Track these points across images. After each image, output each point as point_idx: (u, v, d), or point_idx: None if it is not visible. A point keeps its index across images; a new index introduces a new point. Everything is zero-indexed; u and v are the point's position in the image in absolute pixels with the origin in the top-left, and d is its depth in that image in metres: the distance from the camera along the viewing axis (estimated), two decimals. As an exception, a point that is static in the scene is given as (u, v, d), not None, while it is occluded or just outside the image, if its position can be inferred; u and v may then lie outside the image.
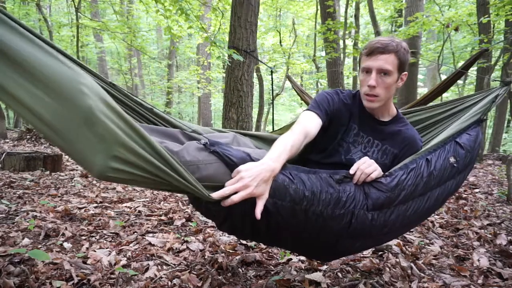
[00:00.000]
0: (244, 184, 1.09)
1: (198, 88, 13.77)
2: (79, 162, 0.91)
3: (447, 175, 1.46)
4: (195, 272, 1.83)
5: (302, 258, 2.07)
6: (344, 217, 1.28)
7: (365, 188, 1.33)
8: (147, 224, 2.59)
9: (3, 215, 2.61)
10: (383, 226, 1.36)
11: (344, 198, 1.28)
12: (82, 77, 0.86)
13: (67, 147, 0.87)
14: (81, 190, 3.65)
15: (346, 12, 8.73)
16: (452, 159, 1.47)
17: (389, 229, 1.39)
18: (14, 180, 3.91)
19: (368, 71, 1.43)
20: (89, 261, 1.87)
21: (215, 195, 1.09)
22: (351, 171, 1.33)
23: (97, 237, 2.29)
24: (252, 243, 2.27)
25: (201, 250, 2.15)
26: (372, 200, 1.31)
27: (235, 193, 1.10)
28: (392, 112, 1.57)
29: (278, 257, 2.09)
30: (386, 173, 1.36)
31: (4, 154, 4.67)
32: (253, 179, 1.10)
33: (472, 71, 7.97)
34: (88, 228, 2.44)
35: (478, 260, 2.04)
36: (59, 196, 3.34)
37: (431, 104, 2.00)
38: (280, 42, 11.60)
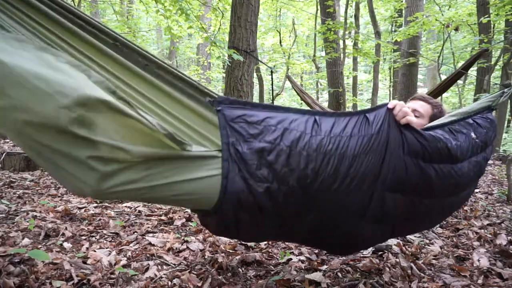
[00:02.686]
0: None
1: (198, 88, 13.71)
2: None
3: (471, 149, 1.47)
4: (195, 272, 1.83)
5: (302, 258, 2.07)
6: (378, 153, 1.18)
7: (401, 129, 1.25)
8: (147, 224, 2.59)
9: (3, 215, 2.61)
10: (419, 179, 1.28)
11: (379, 138, 1.19)
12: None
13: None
14: (81, 190, 3.65)
15: (346, 12, 8.73)
16: (473, 135, 1.50)
17: (422, 187, 1.32)
18: (14, 180, 3.91)
19: None
20: (89, 261, 1.87)
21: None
22: (390, 105, 1.24)
23: (97, 237, 2.29)
24: (252, 243, 2.27)
25: (201, 250, 2.15)
26: (409, 143, 1.24)
27: None
28: None
29: (278, 257, 2.09)
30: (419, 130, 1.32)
31: (4, 154, 4.67)
32: None
33: (472, 71, 7.96)
34: (88, 228, 2.43)
35: (478, 260, 2.03)
36: (59, 196, 3.34)
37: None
38: (280, 42, 11.60)
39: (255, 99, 9.35)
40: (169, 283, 1.71)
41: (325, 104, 8.62)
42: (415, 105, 1.70)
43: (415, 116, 1.54)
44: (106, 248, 2.10)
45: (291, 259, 2.05)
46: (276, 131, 1.09)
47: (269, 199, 1.11)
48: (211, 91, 1.12)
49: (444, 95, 9.95)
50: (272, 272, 1.88)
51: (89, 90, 0.87)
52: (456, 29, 7.55)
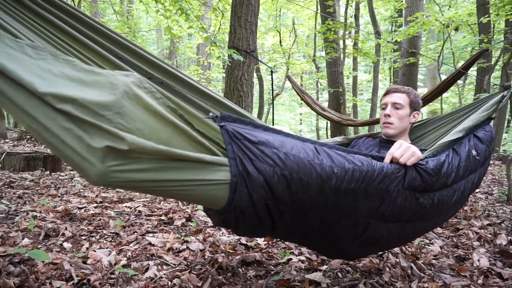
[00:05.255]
0: None
1: (198, 88, 13.69)
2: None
3: (470, 168, 1.49)
4: (195, 272, 1.83)
5: (302, 258, 2.07)
6: (377, 194, 1.24)
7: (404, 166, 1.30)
8: (147, 224, 2.59)
9: (3, 215, 2.61)
10: (414, 210, 1.34)
11: (381, 176, 1.23)
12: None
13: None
14: (81, 190, 3.65)
15: (346, 12, 8.73)
16: (474, 152, 1.51)
17: (417, 215, 1.36)
18: (14, 180, 3.91)
19: (385, 107, 1.78)
20: (89, 261, 1.87)
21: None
22: (387, 160, 1.30)
23: (97, 237, 2.29)
24: (252, 243, 2.27)
25: (201, 250, 2.15)
26: (410, 179, 1.28)
27: None
28: (407, 142, 1.73)
29: (278, 257, 2.09)
30: (423, 157, 1.35)
31: (4, 154, 4.67)
32: None
33: (472, 71, 7.97)
34: (88, 228, 2.43)
35: (478, 260, 2.03)
36: (59, 196, 3.34)
37: (434, 116, 2.05)
38: (280, 42, 11.60)
39: (255, 99, 9.35)
40: (169, 283, 1.71)
41: (325, 104, 8.62)
42: (394, 99, 1.75)
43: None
44: (106, 248, 2.10)
45: (291, 259, 2.05)
46: (279, 154, 1.12)
47: (267, 213, 1.16)
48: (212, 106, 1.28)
49: (444, 95, 9.95)
50: (272, 272, 1.88)
51: (135, 86, 0.90)
52: (456, 29, 7.55)
